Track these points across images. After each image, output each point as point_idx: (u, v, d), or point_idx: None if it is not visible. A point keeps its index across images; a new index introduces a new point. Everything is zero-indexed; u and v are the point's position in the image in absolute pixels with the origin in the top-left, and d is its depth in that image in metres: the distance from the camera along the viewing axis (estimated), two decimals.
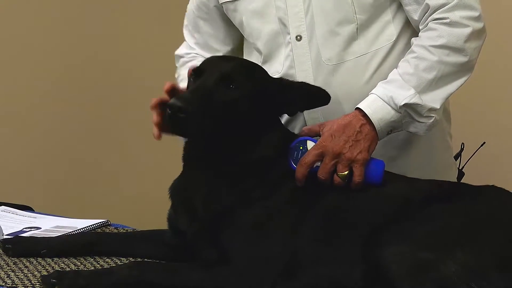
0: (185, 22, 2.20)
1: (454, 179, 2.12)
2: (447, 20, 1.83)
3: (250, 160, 1.73)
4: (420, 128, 1.84)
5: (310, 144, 1.78)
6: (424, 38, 1.85)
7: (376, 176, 1.76)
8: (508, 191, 1.76)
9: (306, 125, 1.97)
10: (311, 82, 1.93)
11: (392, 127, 1.82)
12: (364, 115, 1.80)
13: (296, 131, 1.96)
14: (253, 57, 2.04)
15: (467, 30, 1.83)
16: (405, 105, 1.80)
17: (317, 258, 1.67)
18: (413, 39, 1.89)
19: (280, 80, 1.82)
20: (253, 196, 1.71)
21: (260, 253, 1.66)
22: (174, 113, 1.65)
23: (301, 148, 1.77)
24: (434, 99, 1.83)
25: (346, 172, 1.74)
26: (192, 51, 2.17)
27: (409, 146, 1.99)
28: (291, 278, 1.67)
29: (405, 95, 1.80)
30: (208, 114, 1.67)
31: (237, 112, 1.71)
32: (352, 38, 1.92)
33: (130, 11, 3.75)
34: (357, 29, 1.91)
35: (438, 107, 1.83)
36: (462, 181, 2.15)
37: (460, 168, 2.18)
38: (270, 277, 1.65)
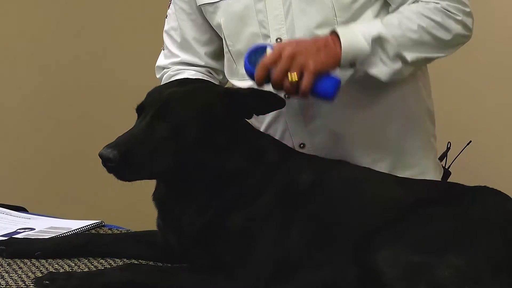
0: (166, 26, 2.15)
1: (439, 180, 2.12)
2: (438, 5, 1.84)
3: (223, 171, 1.70)
4: (383, 71, 1.80)
5: (269, 51, 1.74)
6: (414, 6, 1.84)
7: (327, 89, 1.71)
8: (500, 191, 1.76)
9: (288, 128, 1.97)
10: None
11: (356, 57, 1.78)
12: (334, 37, 1.76)
13: (278, 134, 1.96)
14: (229, 62, 2.04)
15: (456, 17, 1.84)
16: (378, 37, 1.77)
17: (309, 262, 1.67)
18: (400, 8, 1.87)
19: (226, 91, 1.78)
20: (234, 205, 1.70)
21: (251, 255, 1.66)
22: (105, 164, 1.62)
23: (260, 52, 1.75)
24: (407, 51, 1.80)
25: (295, 76, 1.69)
26: (175, 59, 2.12)
27: (393, 149, 1.99)
28: (284, 281, 1.67)
29: (380, 28, 1.79)
30: (146, 156, 1.64)
31: (182, 144, 1.66)
32: None
33: (120, 10, 3.75)
34: None
35: (409, 60, 1.81)
36: (448, 180, 2.15)
37: (446, 167, 2.18)
38: (263, 279, 1.65)
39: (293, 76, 1.70)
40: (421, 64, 1.89)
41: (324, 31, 1.88)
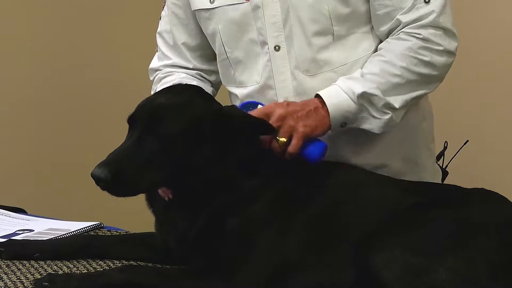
0: (159, 28, 2.14)
1: None
2: (420, 36, 1.83)
3: (215, 179, 1.70)
4: (375, 124, 1.83)
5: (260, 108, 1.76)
6: (395, 44, 1.84)
7: (313, 154, 1.75)
8: (498, 194, 1.76)
9: None
10: (290, 93, 1.92)
11: (347, 119, 1.81)
12: (321, 101, 1.79)
13: None
14: (225, 68, 2.03)
15: (439, 48, 1.83)
16: (363, 94, 1.79)
17: (307, 264, 1.68)
18: (382, 43, 1.88)
19: (218, 112, 1.74)
20: (230, 211, 1.70)
21: (249, 258, 1.67)
22: (98, 183, 1.65)
23: (250, 108, 1.76)
24: (394, 99, 1.82)
25: (285, 140, 1.73)
26: (168, 61, 2.12)
27: (392, 156, 1.98)
28: (283, 283, 1.67)
29: (365, 86, 1.80)
30: (137, 173, 1.65)
31: (172, 158, 1.67)
32: (330, 49, 1.90)
33: (119, 11, 3.75)
34: (333, 40, 1.90)
35: (397, 107, 1.82)
36: (446, 180, 2.15)
37: (443, 167, 2.18)
38: (261, 281, 1.66)
39: (282, 140, 1.74)
40: (410, 105, 1.88)
41: (321, 40, 1.90)
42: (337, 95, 1.80)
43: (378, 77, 1.82)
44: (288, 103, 1.79)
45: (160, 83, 2.08)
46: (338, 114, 1.80)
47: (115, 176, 1.64)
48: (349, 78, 1.84)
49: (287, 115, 1.75)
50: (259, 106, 1.78)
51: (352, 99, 1.80)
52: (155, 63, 2.16)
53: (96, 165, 1.65)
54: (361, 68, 1.86)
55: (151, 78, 2.16)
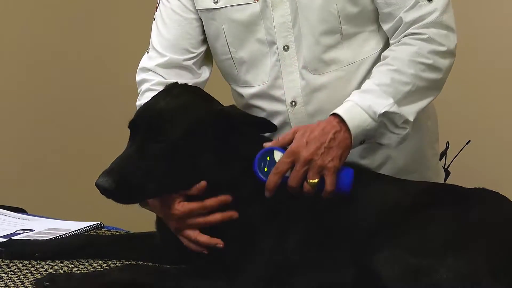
0: (154, 26, 2.06)
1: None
2: (425, 36, 1.82)
3: (217, 181, 1.70)
4: (393, 139, 1.81)
5: (277, 154, 1.71)
6: (400, 51, 1.83)
7: (345, 185, 1.71)
8: (499, 193, 1.76)
9: None
10: (298, 92, 1.92)
11: (366, 136, 1.79)
12: (340, 121, 1.75)
13: None
14: (228, 68, 2.01)
15: (443, 49, 1.82)
16: (384, 113, 1.76)
17: (308, 264, 1.68)
18: (386, 51, 1.86)
19: (219, 113, 1.74)
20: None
21: (250, 258, 1.67)
22: (102, 193, 1.65)
23: (268, 158, 1.72)
24: (408, 112, 1.80)
25: (317, 180, 1.69)
26: (161, 59, 2.01)
27: (395, 155, 1.97)
28: (284, 283, 1.67)
29: (385, 104, 1.76)
30: (141, 181, 1.66)
31: (174, 164, 1.67)
32: (338, 48, 1.90)
33: (119, 10, 3.75)
34: (341, 39, 1.90)
35: (412, 120, 1.81)
36: (448, 180, 2.15)
37: (445, 167, 2.18)
38: (262, 281, 1.66)
39: (313, 181, 1.69)
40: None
41: (329, 39, 1.89)
42: (358, 115, 1.76)
43: (391, 88, 1.79)
44: (306, 139, 1.71)
45: (144, 97, 1.98)
46: (359, 134, 1.76)
47: (120, 185, 1.64)
48: (364, 92, 1.80)
49: (312, 156, 1.69)
50: (275, 151, 1.72)
51: (373, 118, 1.76)
52: (145, 62, 2.05)
53: (100, 174, 1.65)
54: (370, 79, 1.83)
55: (138, 79, 2.05)
